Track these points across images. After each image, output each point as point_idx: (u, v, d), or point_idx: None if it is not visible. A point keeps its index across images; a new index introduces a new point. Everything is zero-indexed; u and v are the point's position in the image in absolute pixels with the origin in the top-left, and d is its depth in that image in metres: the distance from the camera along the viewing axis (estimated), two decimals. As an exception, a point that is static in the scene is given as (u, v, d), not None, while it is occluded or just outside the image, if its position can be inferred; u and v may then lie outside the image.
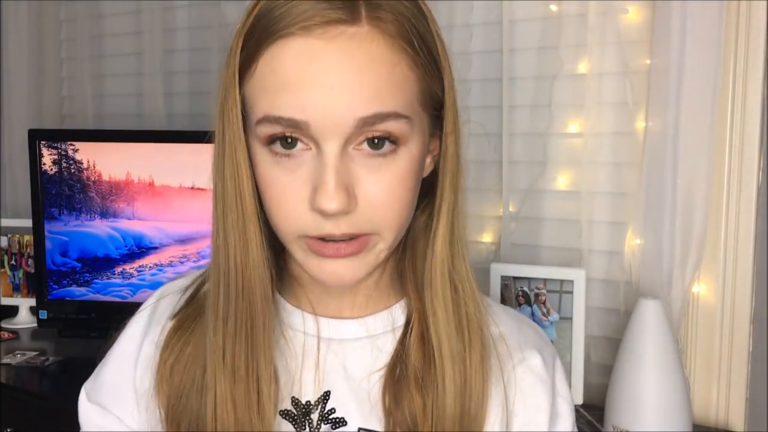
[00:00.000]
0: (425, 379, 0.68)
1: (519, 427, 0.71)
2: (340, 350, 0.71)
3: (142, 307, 0.78)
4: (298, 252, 0.64)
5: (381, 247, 0.64)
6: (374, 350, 0.71)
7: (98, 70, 2.14)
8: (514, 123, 1.56)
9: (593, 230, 1.49)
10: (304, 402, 0.70)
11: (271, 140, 0.61)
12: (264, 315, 0.66)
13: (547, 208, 1.55)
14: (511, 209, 1.57)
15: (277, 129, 0.60)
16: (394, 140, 0.61)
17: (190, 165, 1.67)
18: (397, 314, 0.73)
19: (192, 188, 1.67)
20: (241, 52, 0.62)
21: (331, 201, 0.58)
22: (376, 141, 0.60)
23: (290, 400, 0.70)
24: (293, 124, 0.59)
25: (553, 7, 1.49)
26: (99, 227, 1.74)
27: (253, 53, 0.61)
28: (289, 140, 0.60)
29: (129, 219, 1.73)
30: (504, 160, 1.56)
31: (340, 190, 0.59)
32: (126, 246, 1.74)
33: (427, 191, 0.70)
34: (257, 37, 0.60)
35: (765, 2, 1.31)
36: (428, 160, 0.69)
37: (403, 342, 0.70)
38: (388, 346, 0.71)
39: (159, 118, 2.01)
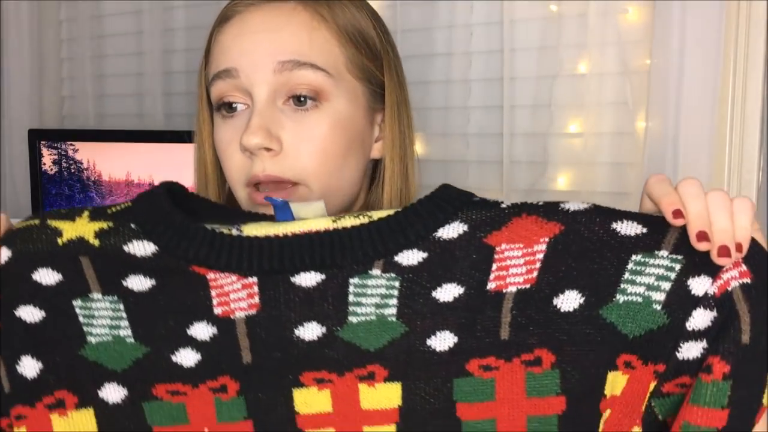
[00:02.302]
0: None
1: None
2: None
3: None
4: (248, 204, 0.71)
5: (314, 197, 0.69)
6: None
7: (98, 70, 2.14)
8: (515, 123, 1.56)
9: (593, 230, 1.49)
10: None
11: (219, 106, 0.72)
12: None
13: (547, 208, 1.54)
14: (511, 209, 1.57)
15: (220, 85, 0.70)
16: (315, 96, 0.68)
17: (190, 165, 1.66)
18: None
19: (192, 188, 1.67)
20: (205, 47, 0.76)
21: (251, 136, 0.66)
22: (300, 99, 0.68)
23: None
24: (227, 73, 0.70)
25: (553, 7, 1.49)
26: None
27: (210, 41, 0.75)
28: (232, 105, 0.71)
29: (129, 219, 1.73)
30: (504, 160, 1.56)
31: (261, 129, 0.67)
32: (126, 246, 1.74)
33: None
34: (212, 30, 0.75)
35: (765, 2, 1.31)
36: (379, 143, 0.76)
37: None
38: None
39: (158, 118, 2.01)
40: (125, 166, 1.71)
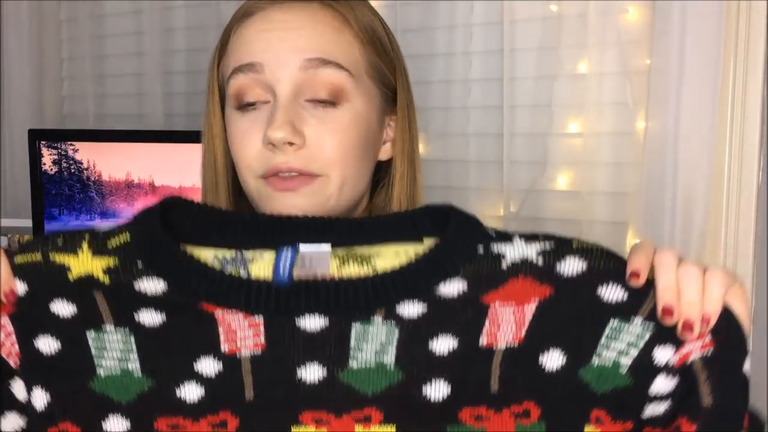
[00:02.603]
0: None
1: None
2: None
3: None
4: (260, 198, 0.72)
5: (330, 191, 0.70)
6: None
7: (99, 70, 2.14)
8: (515, 123, 1.56)
9: (593, 230, 1.49)
10: None
11: (238, 103, 0.72)
12: None
13: (547, 208, 1.55)
14: (511, 209, 1.57)
15: (241, 79, 0.71)
16: (335, 99, 0.70)
17: (190, 165, 1.66)
18: None
19: (192, 188, 1.67)
20: (220, 41, 0.76)
21: (277, 130, 0.67)
22: (322, 101, 0.70)
23: None
24: (251, 67, 0.70)
25: (553, 7, 1.49)
26: (99, 227, 1.74)
27: (227, 36, 0.75)
28: (253, 104, 0.71)
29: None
30: (504, 160, 1.56)
31: (287, 123, 0.68)
32: (126, 246, 1.74)
33: (384, 176, 0.78)
34: (231, 24, 0.74)
35: (765, 2, 1.31)
36: (387, 145, 0.78)
37: None
38: None
39: (158, 118, 2.01)
40: (125, 166, 1.71)
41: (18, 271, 0.61)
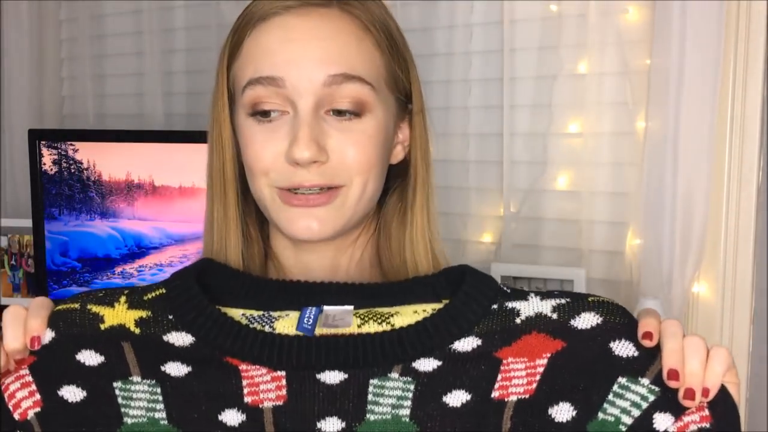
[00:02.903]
0: None
1: None
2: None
3: None
4: (270, 204, 0.70)
5: (350, 202, 0.70)
6: None
7: (98, 70, 2.14)
8: (515, 123, 1.56)
9: (593, 230, 1.49)
10: None
11: (253, 110, 0.69)
12: (237, 263, 0.73)
13: (547, 208, 1.55)
14: (511, 209, 1.57)
15: (259, 90, 0.68)
16: (358, 111, 0.69)
17: (190, 165, 1.67)
18: None
19: (192, 188, 1.67)
20: (231, 42, 0.72)
21: (304, 151, 0.66)
22: (341, 112, 0.68)
23: None
24: (272, 81, 0.68)
25: (553, 7, 1.49)
26: (99, 227, 1.74)
27: (241, 38, 0.71)
28: (268, 113, 0.69)
29: (129, 219, 1.73)
30: (504, 160, 1.56)
31: (312, 142, 0.66)
32: (126, 246, 1.74)
33: (395, 178, 0.77)
34: (244, 25, 0.71)
35: (765, 2, 1.31)
36: (398, 148, 0.77)
37: None
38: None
39: (158, 118, 2.01)
40: (125, 166, 1.71)
41: (51, 318, 0.64)
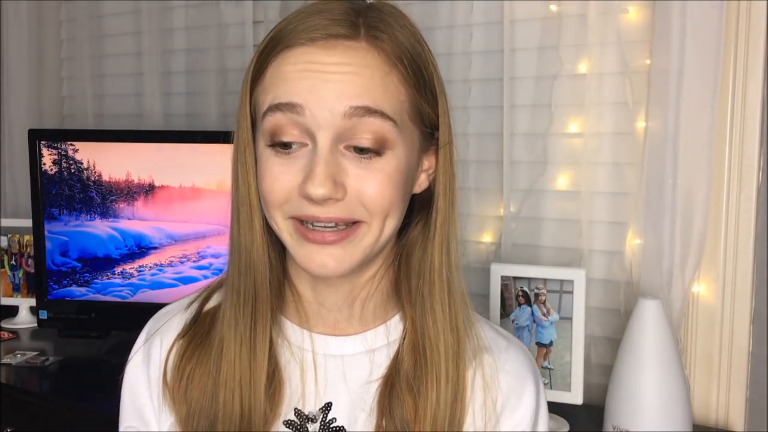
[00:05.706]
0: (418, 382, 0.73)
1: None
2: (341, 364, 0.75)
3: (133, 352, 0.82)
4: (288, 237, 0.70)
5: (367, 241, 0.69)
6: (372, 363, 0.75)
7: (98, 70, 2.14)
8: (515, 123, 1.56)
9: (593, 230, 1.49)
10: (306, 413, 0.74)
11: (273, 141, 0.68)
12: (264, 288, 0.73)
13: (547, 208, 1.55)
14: (511, 209, 1.57)
15: (279, 118, 0.67)
16: (379, 148, 0.67)
17: (190, 165, 1.67)
18: (392, 328, 0.76)
19: (192, 188, 1.67)
20: (255, 66, 0.70)
21: (318, 188, 0.65)
22: (361, 149, 0.67)
23: (294, 412, 0.74)
24: (292, 108, 0.66)
25: (553, 7, 1.49)
26: (99, 227, 1.74)
27: (264, 63, 0.70)
28: (288, 145, 0.68)
29: (129, 219, 1.73)
30: (504, 160, 1.56)
31: (328, 179, 0.65)
32: (126, 246, 1.74)
33: (419, 208, 0.76)
34: (269, 50, 0.69)
35: (765, 2, 1.31)
36: (422, 177, 0.75)
37: (398, 353, 0.75)
38: (383, 358, 0.76)
39: (157, 118, 2.01)
40: (125, 166, 1.71)
41: None
